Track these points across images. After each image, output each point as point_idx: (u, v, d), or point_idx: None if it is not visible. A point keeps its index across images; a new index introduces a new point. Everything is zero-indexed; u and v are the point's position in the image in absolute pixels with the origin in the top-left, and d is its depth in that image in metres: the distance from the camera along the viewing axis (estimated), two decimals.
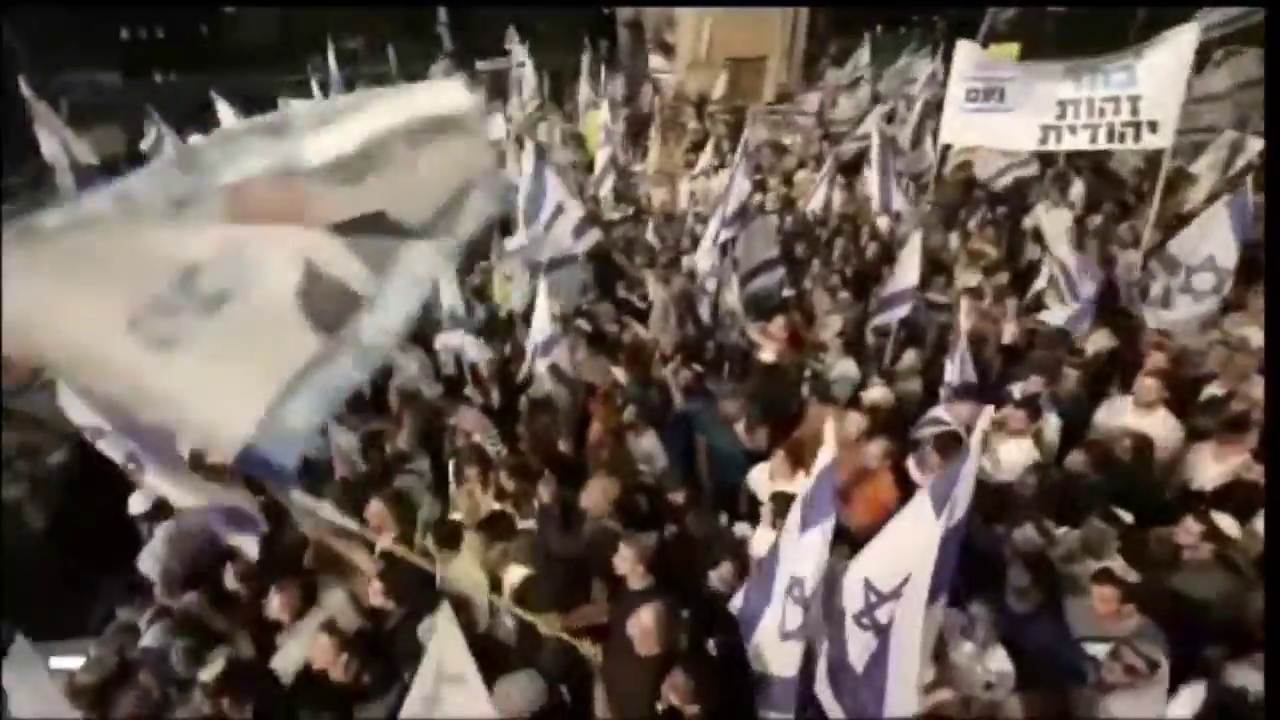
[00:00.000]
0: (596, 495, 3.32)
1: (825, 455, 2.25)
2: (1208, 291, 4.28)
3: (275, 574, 3.06)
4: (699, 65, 16.72)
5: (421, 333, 5.36)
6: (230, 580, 3.10)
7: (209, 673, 2.58)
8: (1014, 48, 13.28)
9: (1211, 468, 3.89)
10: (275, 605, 2.91)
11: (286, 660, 2.80)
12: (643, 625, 2.50)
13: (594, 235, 5.54)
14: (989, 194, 8.54)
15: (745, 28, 16.58)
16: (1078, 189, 8.14)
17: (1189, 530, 3.18)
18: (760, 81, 17.10)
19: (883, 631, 2.15)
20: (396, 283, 1.61)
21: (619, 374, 4.37)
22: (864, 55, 12.73)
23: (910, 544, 2.07)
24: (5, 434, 4.06)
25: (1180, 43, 4.88)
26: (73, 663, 2.86)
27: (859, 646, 2.26)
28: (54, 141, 5.39)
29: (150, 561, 3.22)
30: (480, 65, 16.62)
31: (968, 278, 6.17)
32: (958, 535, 2.02)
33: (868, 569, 2.26)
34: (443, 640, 1.86)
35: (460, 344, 4.83)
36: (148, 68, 25.74)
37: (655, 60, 14.81)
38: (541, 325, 4.22)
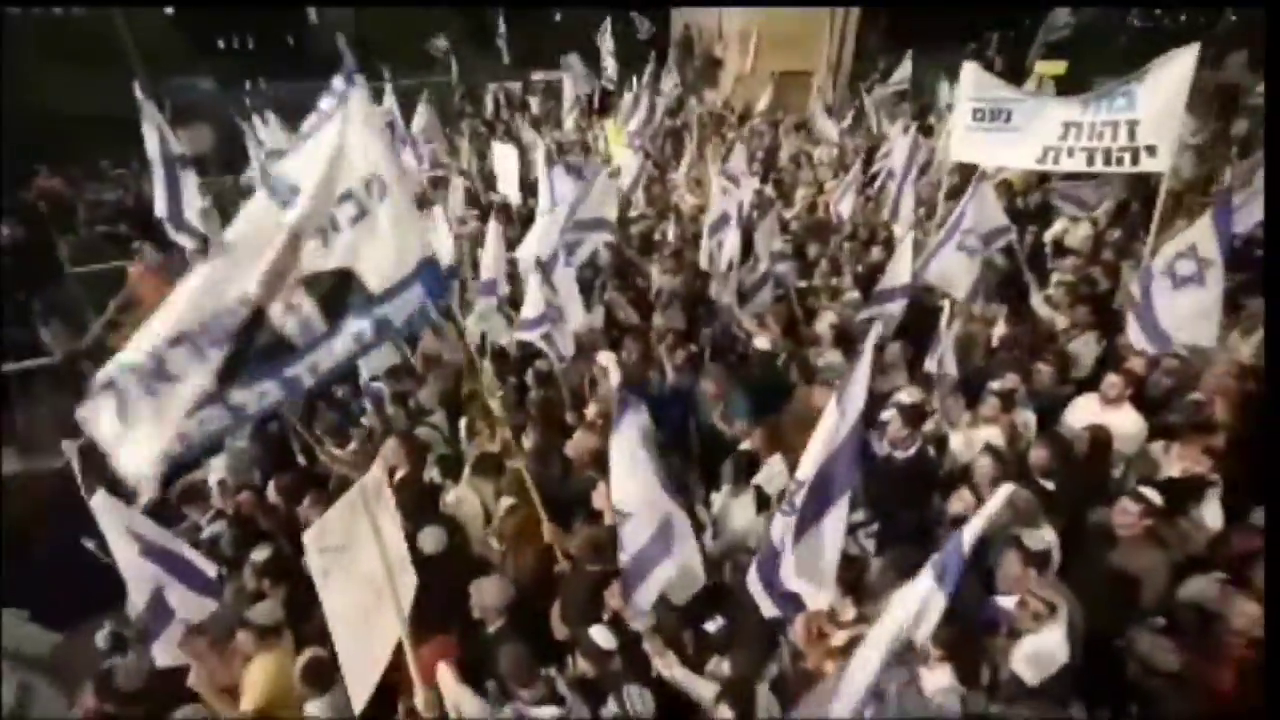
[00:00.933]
0: (578, 445, 3.83)
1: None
2: (1188, 277, 4.38)
3: (307, 491, 3.69)
4: (745, 79, 17.20)
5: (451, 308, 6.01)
6: (271, 494, 3.76)
7: (260, 554, 3.20)
8: (1060, 66, 13.17)
9: (1175, 465, 4.06)
10: (306, 513, 3.53)
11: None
12: (583, 539, 2.98)
13: (604, 235, 6.10)
14: (1015, 212, 8.67)
15: (792, 43, 16.99)
16: (1104, 204, 8.18)
17: (1125, 510, 3.40)
18: (806, 96, 17.42)
19: (796, 512, 2.55)
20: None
21: (604, 358, 4.81)
22: (905, 69, 12.90)
23: (819, 435, 2.49)
24: None
25: (1178, 65, 4.89)
26: None
27: (779, 529, 2.66)
28: (155, 137, 6.20)
29: (213, 475, 3.93)
30: (536, 76, 17.55)
31: None
32: (855, 434, 2.39)
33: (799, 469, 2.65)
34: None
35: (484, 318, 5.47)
36: (239, 75, 28.11)
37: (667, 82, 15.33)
38: (532, 303, 4.69)
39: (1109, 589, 3.19)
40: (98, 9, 18.53)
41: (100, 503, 2.70)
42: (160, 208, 5.66)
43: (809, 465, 2.52)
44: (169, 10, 28.89)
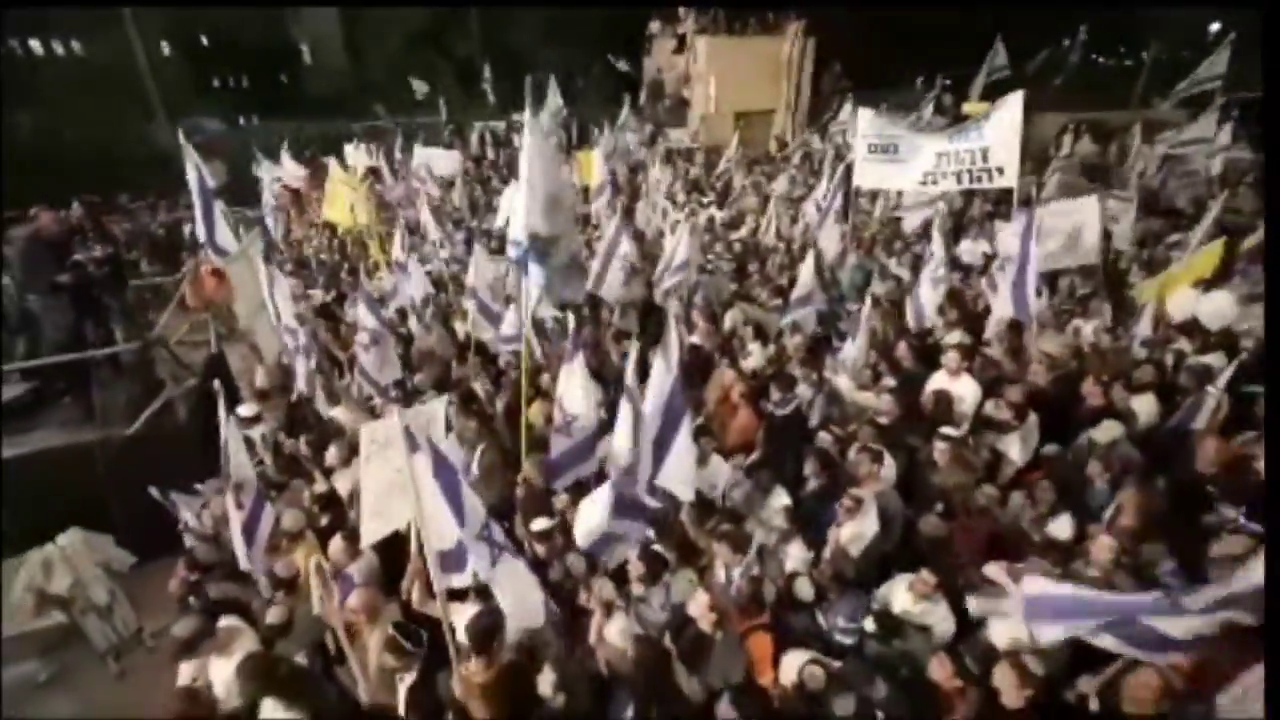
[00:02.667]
0: (534, 412, 5.04)
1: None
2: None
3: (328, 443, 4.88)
4: (711, 118, 18.86)
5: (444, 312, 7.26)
6: (301, 446, 4.93)
7: (319, 486, 4.39)
8: (984, 106, 14.80)
9: (998, 415, 5.31)
10: (331, 456, 4.70)
11: (341, 488, 4.55)
12: (527, 470, 4.20)
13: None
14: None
15: (753, 84, 18.71)
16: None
17: (936, 446, 4.65)
18: (767, 132, 19.10)
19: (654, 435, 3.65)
20: None
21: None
22: (846, 110, 14.51)
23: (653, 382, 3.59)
24: (159, 367, 6.12)
25: (1012, 105, 6.44)
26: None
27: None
28: (193, 173, 7.32)
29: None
30: (515, 117, 19.08)
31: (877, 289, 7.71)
32: (678, 379, 3.49)
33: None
34: None
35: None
36: (238, 114, 29.64)
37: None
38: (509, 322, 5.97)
39: (932, 496, 4.41)
40: (115, 55, 19.98)
41: (232, 420, 3.89)
42: (200, 233, 6.86)
43: (651, 403, 3.58)
44: (166, 49, 30.38)
